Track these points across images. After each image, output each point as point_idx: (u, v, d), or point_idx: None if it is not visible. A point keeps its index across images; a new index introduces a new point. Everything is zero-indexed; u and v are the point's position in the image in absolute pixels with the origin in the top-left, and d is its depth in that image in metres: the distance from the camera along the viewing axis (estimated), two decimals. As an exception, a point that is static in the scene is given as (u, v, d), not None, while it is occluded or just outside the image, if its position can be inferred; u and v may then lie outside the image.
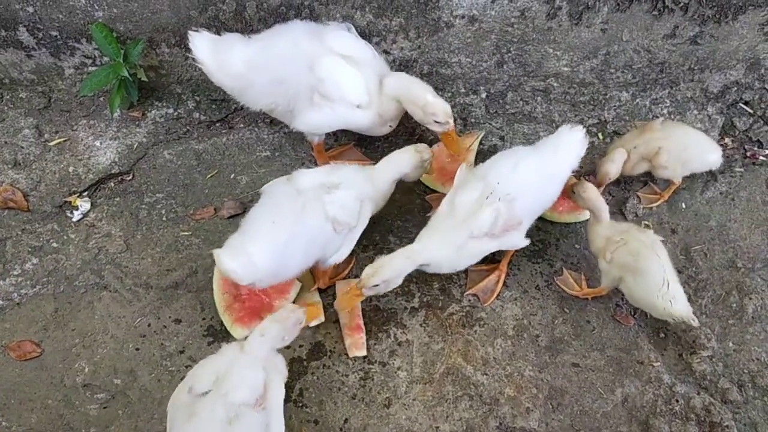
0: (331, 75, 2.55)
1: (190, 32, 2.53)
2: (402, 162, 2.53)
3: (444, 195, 2.50)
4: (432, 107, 2.55)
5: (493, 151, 2.94)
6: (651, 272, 2.37)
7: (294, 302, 2.57)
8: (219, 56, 2.54)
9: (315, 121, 2.64)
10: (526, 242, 2.50)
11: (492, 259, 2.62)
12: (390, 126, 2.72)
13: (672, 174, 2.80)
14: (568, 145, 2.49)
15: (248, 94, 2.62)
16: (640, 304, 2.47)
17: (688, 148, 2.75)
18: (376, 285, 2.30)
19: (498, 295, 2.64)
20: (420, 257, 2.35)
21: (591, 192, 2.52)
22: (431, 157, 2.60)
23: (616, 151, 2.77)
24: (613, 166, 2.73)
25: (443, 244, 2.36)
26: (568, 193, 2.61)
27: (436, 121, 2.58)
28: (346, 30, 2.67)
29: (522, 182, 2.37)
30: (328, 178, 2.40)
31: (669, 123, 2.89)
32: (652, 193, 2.90)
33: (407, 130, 3.03)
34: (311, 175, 2.43)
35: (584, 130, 2.50)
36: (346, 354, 2.51)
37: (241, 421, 1.91)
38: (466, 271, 2.67)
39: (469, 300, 2.64)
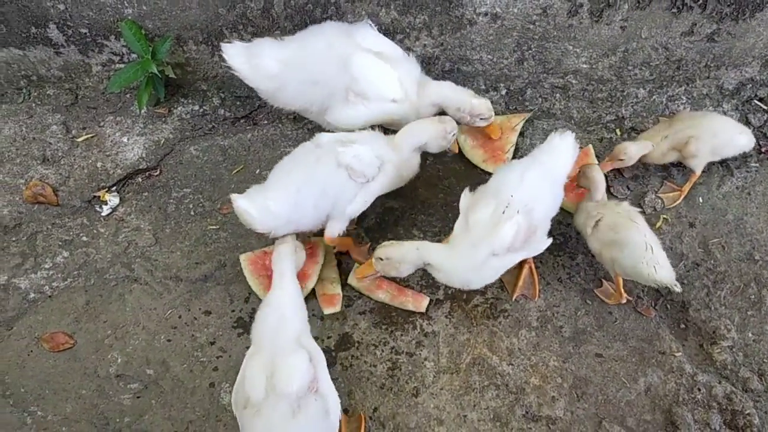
0: (365, 72, 2.61)
1: (222, 44, 2.60)
2: (422, 130, 2.60)
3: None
4: (478, 109, 2.72)
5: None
6: (633, 240, 2.44)
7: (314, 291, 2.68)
8: (252, 60, 2.61)
9: (348, 117, 2.69)
10: (549, 242, 2.52)
11: None
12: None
13: (699, 162, 2.84)
14: (562, 150, 2.52)
15: (283, 95, 2.68)
16: (629, 274, 2.50)
17: (718, 134, 2.80)
18: (381, 259, 2.40)
19: (539, 286, 2.69)
20: (429, 255, 2.39)
21: (594, 172, 2.61)
22: (457, 130, 2.67)
23: (643, 139, 2.83)
24: (633, 146, 2.76)
25: (457, 258, 2.38)
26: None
27: (482, 119, 2.74)
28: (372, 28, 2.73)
29: (533, 190, 2.39)
30: (347, 137, 2.52)
31: (696, 113, 2.95)
32: (671, 190, 2.94)
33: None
34: (331, 134, 2.55)
35: (573, 135, 2.55)
36: (374, 345, 2.56)
37: (303, 412, 1.98)
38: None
39: (493, 292, 2.69)
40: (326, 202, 2.48)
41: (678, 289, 2.45)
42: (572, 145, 2.54)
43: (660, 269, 2.42)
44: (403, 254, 2.40)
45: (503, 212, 2.33)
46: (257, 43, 2.63)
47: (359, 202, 2.54)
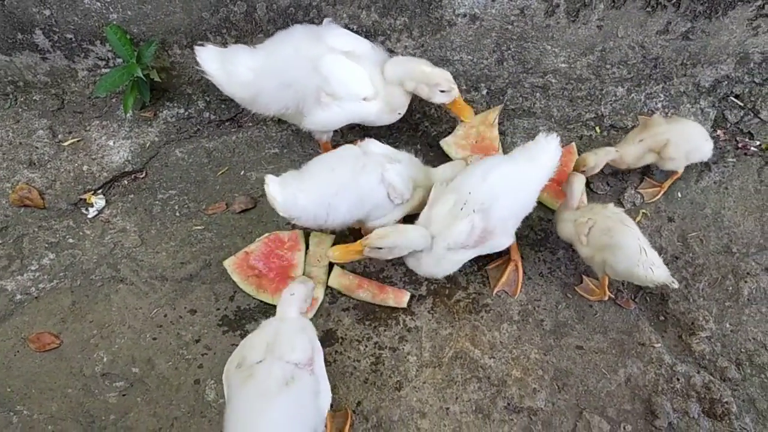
0: (335, 72, 2.64)
1: (196, 47, 2.61)
2: (456, 170, 2.63)
3: None
4: (433, 77, 2.67)
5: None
6: (627, 244, 2.47)
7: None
8: (227, 67, 2.62)
9: (323, 119, 2.72)
10: (510, 242, 2.55)
11: (504, 251, 2.71)
12: (399, 114, 2.81)
13: (677, 165, 2.90)
14: (544, 153, 2.51)
15: (259, 101, 2.69)
16: (622, 276, 2.54)
17: (690, 140, 2.86)
18: (380, 248, 2.38)
19: (521, 284, 2.71)
20: (429, 237, 2.41)
21: (576, 182, 2.65)
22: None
23: (603, 148, 2.86)
24: (592, 157, 2.79)
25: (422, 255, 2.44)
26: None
27: (442, 91, 2.69)
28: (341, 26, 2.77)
29: (495, 191, 2.39)
30: (395, 154, 2.57)
31: (669, 118, 3.02)
32: (651, 186, 3.00)
33: (411, 126, 3.13)
34: (381, 146, 2.59)
35: (558, 138, 2.53)
36: (358, 340, 2.59)
37: (297, 383, 1.99)
38: (478, 266, 2.78)
39: (475, 287, 2.73)
40: (361, 210, 2.53)
41: (675, 285, 2.49)
42: (554, 150, 2.52)
43: (656, 270, 2.46)
44: (411, 239, 2.39)
45: (461, 209, 2.36)
46: (231, 50, 2.64)
47: (390, 220, 2.61)
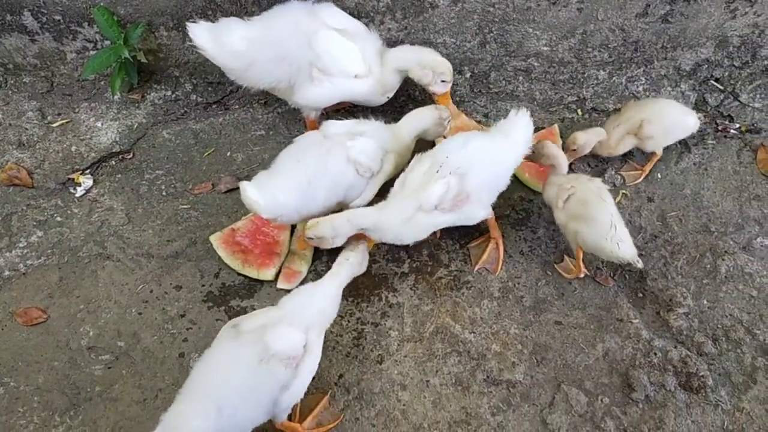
0: (328, 48, 2.68)
1: (187, 24, 2.63)
2: (423, 118, 2.71)
3: None
4: (441, 66, 2.78)
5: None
6: (599, 218, 2.52)
7: (281, 268, 2.76)
8: (219, 39, 2.64)
9: (314, 95, 2.76)
10: (487, 213, 2.59)
11: (485, 230, 2.78)
12: (387, 96, 2.87)
13: (656, 144, 2.95)
14: (517, 128, 2.57)
15: (251, 73, 2.71)
16: (591, 248, 2.59)
17: (668, 115, 2.91)
18: (311, 238, 2.46)
19: (502, 262, 2.75)
20: (363, 220, 2.45)
21: (550, 148, 2.69)
22: (449, 116, 2.78)
23: (594, 128, 2.92)
24: (583, 135, 2.86)
25: (388, 213, 2.45)
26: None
27: (443, 81, 2.81)
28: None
29: (472, 158, 2.44)
30: (355, 128, 2.58)
31: (643, 100, 3.08)
32: (633, 169, 3.04)
33: (395, 108, 3.17)
34: (339, 124, 2.60)
35: (529, 113, 2.61)
36: (341, 316, 2.63)
37: (268, 367, 2.05)
38: (460, 244, 2.82)
39: (456, 265, 2.77)
40: (337, 194, 2.56)
41: (639, 264, 2.53)
42: (526, 123, 2.59)
43: (623, 245, 2.51)
44: (336, 228, 2.44)
45: (437, 171, 2.40)
46: (223, 23, 2.67)
47: (367, 195, 2.63)
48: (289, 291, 2.47)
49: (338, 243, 2.49)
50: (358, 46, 2.72)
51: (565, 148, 2.89)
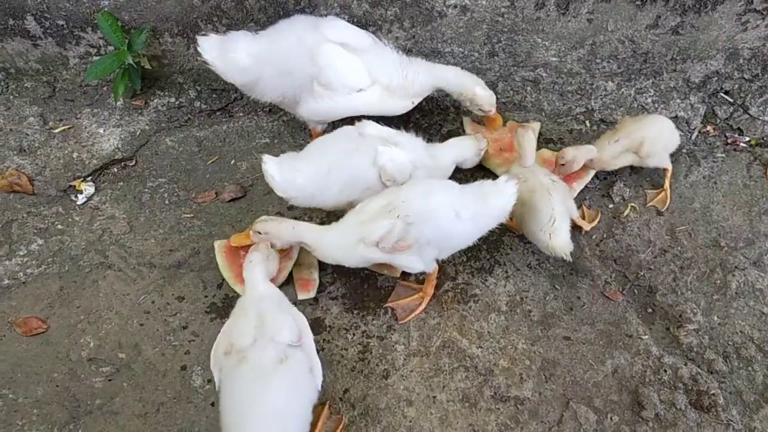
0: (330, 63, 2.65)
1: (198, 37, 2.63)
2: (464, 147, 2.75)
3: None
4: (480, 100, 2.83)
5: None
6: (541, 209, 2.54)
7: (292, 274, 2.71)
8: (227, 55, 2.64)
9: (315, 109, 2.74)
10: (425, 269, 2.49)
11: (483, 256, 2.77)
12: (412, 102, 2.84)
13: (660, 161, 2.91)
14: (496, 196, 2.45)
15: (258, 87, 2.71)
16: (529, 236, 2.62)
17: (663, 133, 2.89)
18: (259, 233, 2.48)
19: (416, 316, 2.63)
20: (303, 235, 2.45)
21: (526, 138, 2.70)
22: (486, 145, 2.83)
23: (585, 146, 2.86)
24: (572, 151, 2.80)
25: (331, 235, 2.42)
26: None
27: (480, 110, 2.87)
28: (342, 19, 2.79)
29: (426, 211, 2.34)
30: (392, 135, 2.57)
31: (637, 117, 2.99)
32: (656, 194, 2.97)
33: (401, 118, 3.13)
34: (377, 127, 2.58)
35: (517, 185, 2.47)
36: (346, 329, 2.59)
37: (291, 361, 2.02)
38: (467, 256, 2.78)
39: (463, 278, 2.73)
40: (352, 191, 2.53)
41: (568, 258, 2.55)
42: (509, 195, 2.44)
43: (554, 237, 2.53)
44: (280, 231, 2.46)
45: (389, 211, 2.33)
46: (232, 37, 2.66)
47: None
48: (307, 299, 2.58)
49: (278, 246, 2.51)
50: (363, 58, 2.68)
51: (555, 163, 2.85)
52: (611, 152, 2.87)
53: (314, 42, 2.66)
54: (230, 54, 2.64)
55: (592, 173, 2.97)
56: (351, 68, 2.68)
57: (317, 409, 2.36)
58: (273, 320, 2.09)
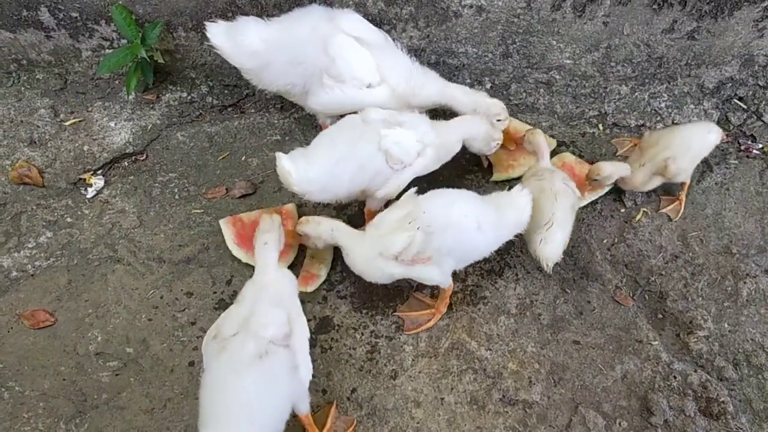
0: (342, 54, 2.64)
1: (206, 23, 2.61)
2: (474, 125, 2.69)
3: None
4: (494, 108, 2.76)
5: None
6: (542, 211, 2.51)
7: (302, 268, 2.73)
8: (235, 38, 2.62)
9: (325, 101, 2.72)
10: (442, 281, 2.45)
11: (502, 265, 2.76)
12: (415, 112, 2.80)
13: (687, 176, 2.86)
14: (513, 205, 2.46)
15: (265, 74, 2.69)
16: (526, 234, 2.56)
17: (692, 146, 2.80)
18: (299, 235, 2.54)
19: (423, 330, 2.60)
20: (340, 237, 2.45)
21: (539, 137, 2.72)
22: (501, 139, 2.78)
23: (622, 163, 2.82)
24: (609, 167, 2.76)
25: (361, 245, 2.41)
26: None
27: (499, 120, 2.77)
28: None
29: (447, 220, 2.32)
30: (393, 117, 2.54)
31: (662, 130, 2.93)
32: (670, 202, 2.95)
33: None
34: (381, 111, 2.56)
35: (531, 195, 2.47)
36: (354, 328, 2.58)
37: (271, 358, 1.98)
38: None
39: (473, 279, 2.72)
40: (362, 178, 2.52)
41: (548, 270, 2.52)
42: (526, 203, 2.46)
43: (545, 244, 2.49)
44: (319, 233, 2.48)
45: (409, 222, 2.31)
46: (241, 22, 2.65)
47: (392, 186, 2.58)
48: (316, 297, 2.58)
49: (319, 246, 2.54)
50: (375, 55, 2.67)
51: (588, 176, 2.81)
52: (641, 179, 2.82)
53: (328, 33, 2.64)
54: (240, 37, 2.61)
55: (606, 189, 2.93)
56: (362, 62, 2.66)
57: (324, 408, 2.36)
58: (263, 314, 2.06)
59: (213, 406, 1.93)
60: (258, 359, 1.95)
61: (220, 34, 2.62)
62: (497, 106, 2.77)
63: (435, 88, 2.75)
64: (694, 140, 2.83)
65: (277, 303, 2.13)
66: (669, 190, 2.98)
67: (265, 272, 2.25)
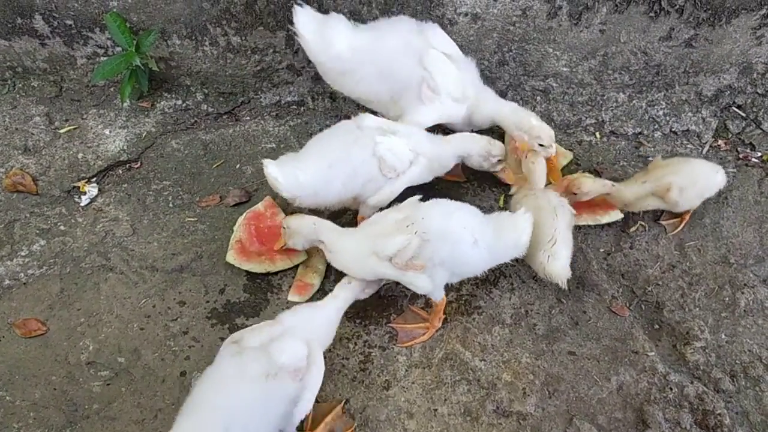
0: (440, 69, 2.66)
1: (294, 6, 2.58)
2: (472, 142, 2.70)
3: None
4: (537, 131, 2.68)
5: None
6: (543, 228, 2.50)
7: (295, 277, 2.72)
8: (324, 33, 2.61)
9: (424, 114, 2.71)
10: (434, 294, 2.44)
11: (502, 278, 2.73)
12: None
13: (689, 206, 2.82)
14: (513, 228, 2.44)
15: (347, 79, 2.70)
16: (528, 259, 2.54)
17: (698, 181, 2.76)
18: (284, 228, 2.53)
19: (416, 343, 2.57)
20: (322, 233, 2.46)
21: (537, 163, 2.69)
22: (501, 157, 2.75)
23: (602, 180, 2.79)
24: (590, 183, 2.72)
25: (347, 241, 2.41)
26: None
27: (541, 144, 2.69)
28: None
29: (444, 230, 2.31)
30: (389, 125, 2.55)
31: (672, 159, 2.89)
32: (671, 217, 2.91)
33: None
34: (374, 118, 2.57)
35: (532, 219, 2.45)
36: (348, 338, 2.56)
37: (276, 381, 2.00)
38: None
39: (467, 289, 2.70)
40: (355, 184, 2.52)
41: (563, 285, 2.50)
42: (527, 227, 2.43)
43: (552, 260, 2.49)
44: (300, 226, 2.48)
45: (407, 226, 2.30)
46: (334, 19, 2.63)
47: (385, 194, 2.58)
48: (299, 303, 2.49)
49: (297, 245, 2.53)
50: (459, 71, 2.71)
51: (566, 188, 2.76)
52: (635, 192, 2.76)
53: (422, 47, 2.66)
54: (330, 37, 2.60)
55: (607, 218, 2.85)
56: (455, 78, 2.69)
57: (331, 403, 2.37)
58: (285, 341, 2.08)
59: (199, 397, 1.97)
60: (263, 377, 1.97)
61: (309, 24, 2.60)
62: (541, 130, 2.68)
63: (493, 104, 2.77)
64: (701, 176, 2.78)
65: (305, 340, 2.14)
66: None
67: (333, 301, 2.33)
